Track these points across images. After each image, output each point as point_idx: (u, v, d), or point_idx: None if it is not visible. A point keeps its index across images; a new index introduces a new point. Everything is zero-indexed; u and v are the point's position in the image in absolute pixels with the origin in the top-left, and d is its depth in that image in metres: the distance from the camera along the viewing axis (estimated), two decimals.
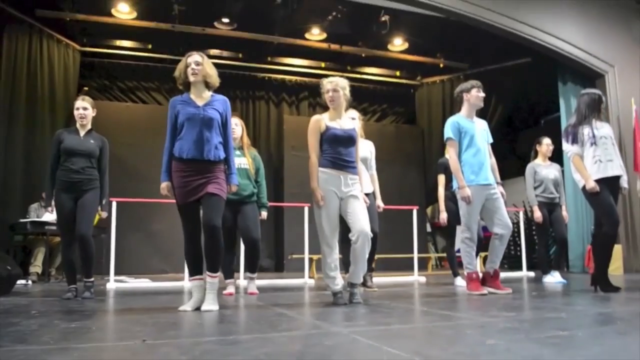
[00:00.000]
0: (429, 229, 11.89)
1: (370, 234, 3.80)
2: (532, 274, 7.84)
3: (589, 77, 8.65)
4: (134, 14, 8.80)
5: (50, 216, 6.91)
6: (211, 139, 3.57)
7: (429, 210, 11.85)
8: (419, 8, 8.13)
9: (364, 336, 2.32)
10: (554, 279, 5.97)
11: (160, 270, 9.05)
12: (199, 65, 3.65)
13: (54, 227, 6.87)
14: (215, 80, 3.73)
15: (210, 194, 3.52)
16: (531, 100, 10.95)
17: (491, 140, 4.93)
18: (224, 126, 3.71)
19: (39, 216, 7.18)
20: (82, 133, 4.71)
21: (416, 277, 7.17)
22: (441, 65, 10.97)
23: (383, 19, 8.65)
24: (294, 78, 11.10)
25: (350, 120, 4.09)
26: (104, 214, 4.89)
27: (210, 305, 3.48)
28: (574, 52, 8.40)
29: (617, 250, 7.84)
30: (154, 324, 2.85)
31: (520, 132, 11.69)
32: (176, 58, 9.85)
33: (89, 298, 4.46)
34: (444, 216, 6.08)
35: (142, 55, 9.82)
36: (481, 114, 10.50)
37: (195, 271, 3.64)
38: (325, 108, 4.07)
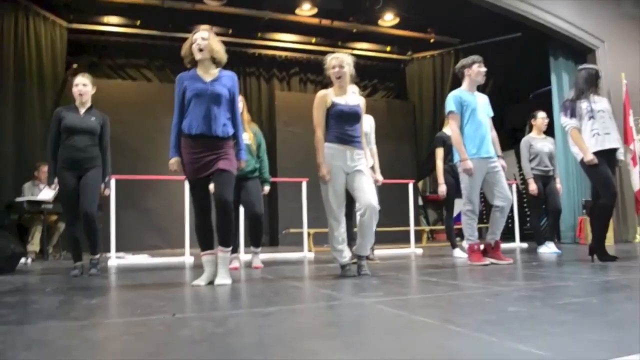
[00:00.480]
0: (420, 202, 12.02)
1: (378, 207, 3.84)
2: (525, 245, 8.00)
3: (580, 52, 8.73)
4: None
5: (46, 194, 6.87)
6: (219, 115, 3.55)
7: (420, 184, 11.97)
8: None
9: (387, 306, 2.39)
10: (548, 249, 6.12)
11: (155, 246, 9.06)
12: (205, 40, 3.59)
13: (50, 206, 6.83)
14: (222, 56, 3.68)
15: (221, 170, 3.52)
16: (520, 74, 11.03)
17: (492, 114, 4.99)
18: (232, 102, 3.68)
19: (34, 194, 7.13)
20: (82, 110, 4.64)
21: (413, 249, 7.29)
22: (432, 41, 10.96)
23: None
24: (284, 54, 11.02)
25: (355, 96, 4.08)
26: (107, 192, 4.87)
27: (224, 279, 3.51)
28: (565, 27, 8.45)
29: None
30: (173, 299, 2.90)
31: (509, 106, 11.79)
32: (165, 34, 9.77)
33: (95, 275, 4.47)
34: (442, 189, 6.12)
35: (131, 32, 9.64)
36: None
37: (206, 246, 3.66)
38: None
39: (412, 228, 7.52)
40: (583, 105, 4.63)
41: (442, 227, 11.50)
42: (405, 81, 11.80)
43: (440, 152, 6.24)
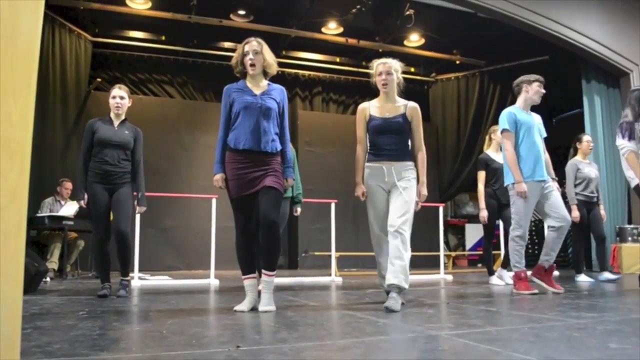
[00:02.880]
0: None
1: (403, 233, 3.42)
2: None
3: (614, 75, 8.55)
4: (149, 4, 8.55)
5: (68, 210, 6.67)
6: (268, 130, 3.35)
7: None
8: (442, 1, 7.96)
9: (472, 340, 2.14)
10: (586, 278, 5.93)
11: (173, 267, 8.82)
12: (258, 54, 3.41)
13: (71, 223, 6.63)
14: (274, 69, 3.50)
15: (268, 187, 3.30)
16: (547, 98, 10.82)
17: (545, 135, 4.74)
18: (281, 117, 3.50)
19: (53, 211, 6.93)
20: (116, 123, 4.45)
21: (442, 275, 7.00)
22: (457, 62, 10.82)
23: (408, 12, 8.46)
24: (307, 73, 10.88)
25: (400, 106, 3.68)
26: (141, 209, 4.59)
27: (267, 305, 3.27)
28: (598, 50, 8.28)
29: (637, 250, 7.75)
30: (223, 327, 2.66)
31: None
32: (189, 50, 9.66)
33: (124, 296, 4.22)
34: (484, 214, 5.78)
35: (155, 47, 9.56)
36: (497, 111, 10.49)
37: (248, 270, 3.42)
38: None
39: (442, 253, 7.26)
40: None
41: (463, 252, 11.31)
42: (428, 103, 11.63)
43: (482, 175, 5.90)
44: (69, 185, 7.26)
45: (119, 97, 4.44)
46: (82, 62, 8.72)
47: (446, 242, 11.90)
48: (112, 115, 4.47)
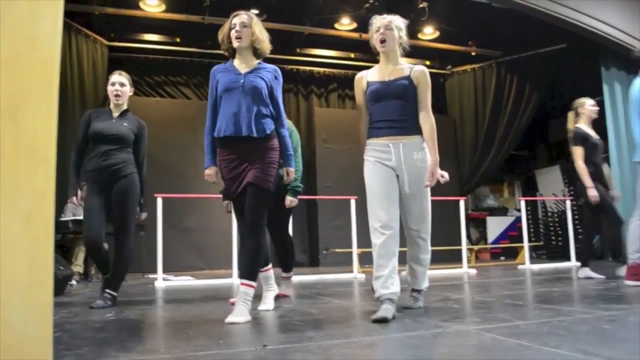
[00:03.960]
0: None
1: (423, 236, 3.04)
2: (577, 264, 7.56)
3: (634, 61, 8.36)
4: (163, 7, 8.58)
5: None
6: (252, 111, 2.89)
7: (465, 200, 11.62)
8: None
9: (500, 334, 2.11)
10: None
11: (195, 267, 8.86)
12: (246, 27, 2.98)
13: None
14: (265, 46, 3.05)
15: (249, 183, 2.88)
16: (565, 87, 10.68)
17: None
18: (272, 97, 3.02)
19: (76, 215, 7.00)
20: (115, 114, 3.85)
21: (465, 269, 6.94)
22: (473, 54, 10.70)
23: (421, 5, 8.38)
24: (322, 69, 10.85)
25: (404, 69, 3.05)
26: (143, 216, 4.00)
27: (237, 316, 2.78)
28: (617, 36, 8.10)
29: None
30: (250, 326, 2.67)
31: (553, 120, 11.41)
32: (205, 51, 9.68)
33: (100, 307, 3.54)
34: (593, 192, 4.82)
35: (170, 49, 9.60)
36: (515, 102, 10.35)
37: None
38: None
39: (464, 247, 7.19)
40: None
41: (485, 246, 11.21)
42: (445, 95, 11.52)
43: (580, 151, 4.97)
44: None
45: (119, 84, 3.85)
46: (99, 66, 8.79)
47: (468, 236, 11.80)
48: (111, 105, 3.88)
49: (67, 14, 8.23)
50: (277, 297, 3.61)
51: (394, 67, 3.05)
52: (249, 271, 2.91)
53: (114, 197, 3.69)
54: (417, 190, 2.94)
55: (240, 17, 3.03)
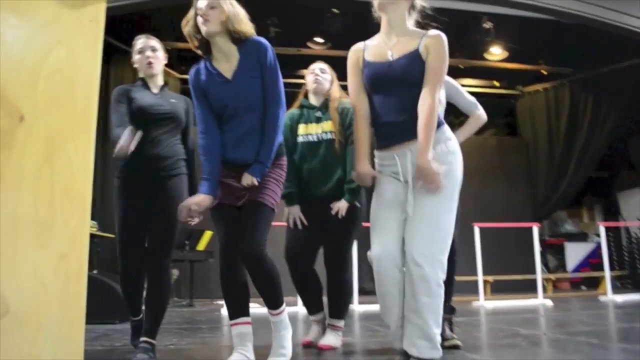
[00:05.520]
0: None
1: (425, 269, 2.04)
2: None
3: None
4: None
5: None
6: (255, 129, 2.35)
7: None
8: (521, 11, 7.63)
9: None
10: None
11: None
12: (214, 8, 2.27)
13: None
14: (244, 27, 2.34)
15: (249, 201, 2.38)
16: None
17: None
18: (266, 79, 2.36)
19: None
20: (154, 89, 2.83)
21: (541, 301, 6.55)
22: (544, 72, 10.32)
23: (486, 25, 8.19)
24: None
25: (414, 39, 2.28)
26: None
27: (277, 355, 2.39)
28: None
29: None
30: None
31: (634, 138, 10.75)
32: None
33: None
34: None
35: None
36: (592, 121, 9.82)
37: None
38: None
39: (539, 276, 6.80)
40: None
41: (564, 274, 10.60)
42: (516, 117, 11.16)
43: None
44: None
45: (150, 49, 2.81)
46: None
47: (545, 264, 11.23)
48: (144, 76, 2.84)
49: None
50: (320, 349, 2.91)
51: (399, 37, 2.29)
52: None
53: (156, 205, 2.66)
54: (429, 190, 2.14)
55: None
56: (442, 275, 2.03)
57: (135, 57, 2.82)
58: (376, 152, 2.33)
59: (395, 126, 2.22)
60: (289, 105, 2.84)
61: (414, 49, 2.22)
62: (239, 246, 2.29)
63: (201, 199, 2.29)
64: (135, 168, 2.65)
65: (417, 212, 2.09)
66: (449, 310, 2.75)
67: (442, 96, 2.94)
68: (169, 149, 2.74)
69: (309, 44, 9.16)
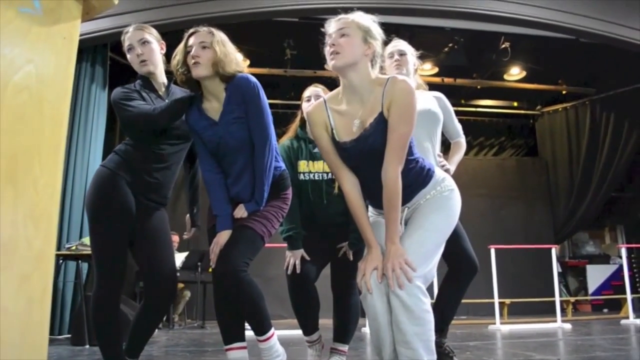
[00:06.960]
0: (559, 269, 10.86)
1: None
2: None
3: None
4: (248, 62, 8.95)
5: (178, 258, 6.88)
6: (247, 172, 2.32)
7: (557, 248, 10.87)
8: (539, 30, 7.55)
9: None
10: None
11: (278, 315, 8.85)
12: (206, 48, 2.22)
13: (178, 274, 6.86)
14: (234, 67, 2.26)
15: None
16: None
17: None
18: (250, 117, 2.27)
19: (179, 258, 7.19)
20: (160, 89, 2.54)
21: (560, 324, 6.37)
22: (563, 92, 10.19)
23: (504, 45, 8.12)
24: None
25: (378, 96, 1.98)
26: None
27: None
28: None
29: None
30: None
31: None
32: (287, 102, 9.95)
33: None
34: None
35: None
36: (613, 141, 9.60)
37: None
38: None
39: (557, 299, 6.62)
40: None
41: (585, 297, 10.30)
42: (535, 137, 11.02)
43: None
44: (175, 238, 7.58)
45: (139, 44, 2.44)
46: None
47: (565, 286, 10.95)
48: (148, 76, 2.51)
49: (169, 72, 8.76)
50: None
51: (365, 101, 2.01)
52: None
53: (151, 223, 2.46)
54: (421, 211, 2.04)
55: (197, 36, 2.25)
56: (426, 300, 1.86)
57: (128, 57, 2.51)
58: (371, 217, 2.14)
59: (382, 197, 1.96)
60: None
61: (379, 112, 1.95)
62: (215, 266, 2.23)
63: (224, 237, 2.28)
64: (142, 183, 2.40)
65: (404, 242, 1.93)
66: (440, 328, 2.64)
67: (437, 133, 2.91)
68: (173, 168, 2.50)
69: (325, 66, 9.17)
